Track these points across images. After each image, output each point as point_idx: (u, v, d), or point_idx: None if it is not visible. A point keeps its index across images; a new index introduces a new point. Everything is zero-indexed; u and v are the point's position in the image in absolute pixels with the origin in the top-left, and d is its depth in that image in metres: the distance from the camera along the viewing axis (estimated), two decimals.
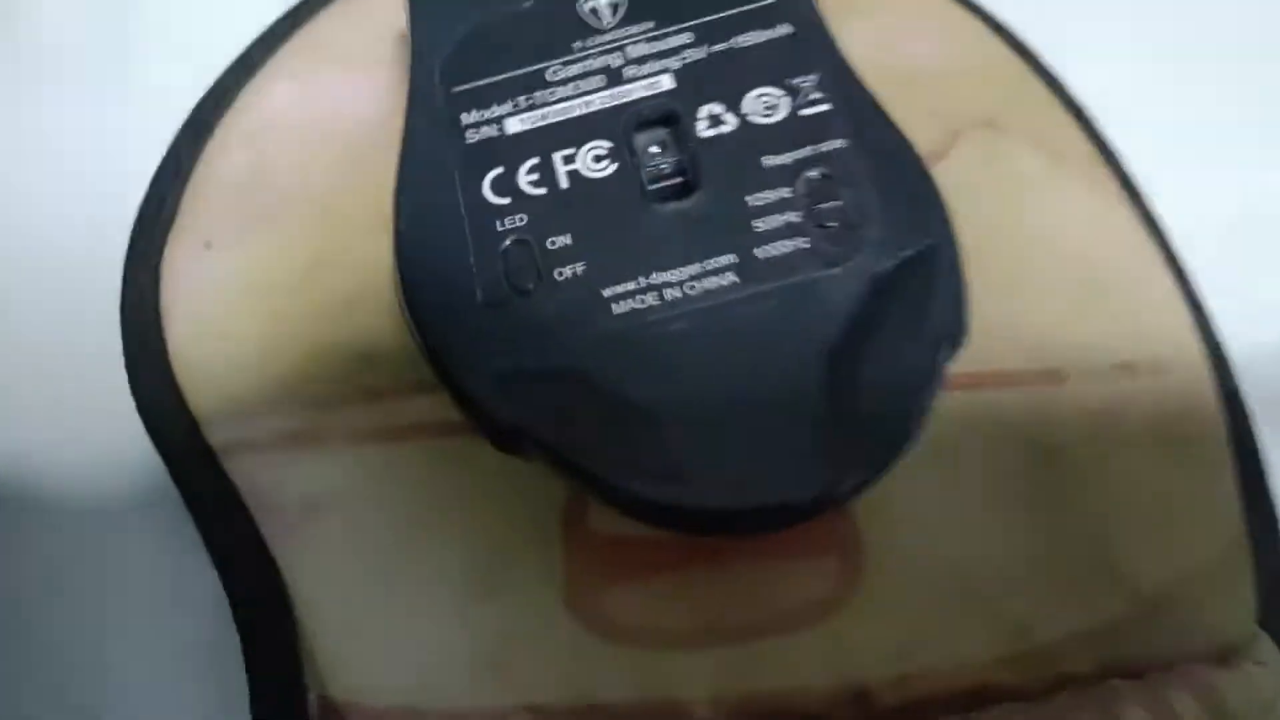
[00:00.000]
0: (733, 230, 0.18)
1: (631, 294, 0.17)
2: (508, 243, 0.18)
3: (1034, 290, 0.21)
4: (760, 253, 0.17)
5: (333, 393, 0.21)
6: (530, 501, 0.19)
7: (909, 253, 0.17)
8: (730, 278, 0.17)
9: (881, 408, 0.16)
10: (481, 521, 0.19)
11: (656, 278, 0.17)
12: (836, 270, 0.17)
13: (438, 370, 0.17)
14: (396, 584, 0.19)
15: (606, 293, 0.17)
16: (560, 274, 0.17)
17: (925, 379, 0.16)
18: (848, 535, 0.20)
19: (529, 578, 0.19)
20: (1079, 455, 0.20)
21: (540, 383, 0.17)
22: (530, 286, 0.17)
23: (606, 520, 0.19)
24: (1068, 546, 0.19)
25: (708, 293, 0.17)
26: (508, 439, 0.17)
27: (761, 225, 0.18)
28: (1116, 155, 0.23)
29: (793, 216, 0.18)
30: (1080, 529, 0.19)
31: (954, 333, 0.17)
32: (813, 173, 0.18)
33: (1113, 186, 0.24)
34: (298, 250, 0.22)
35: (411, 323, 0.18)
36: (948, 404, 0.19)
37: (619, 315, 0.17)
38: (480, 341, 0.17)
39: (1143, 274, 0.22)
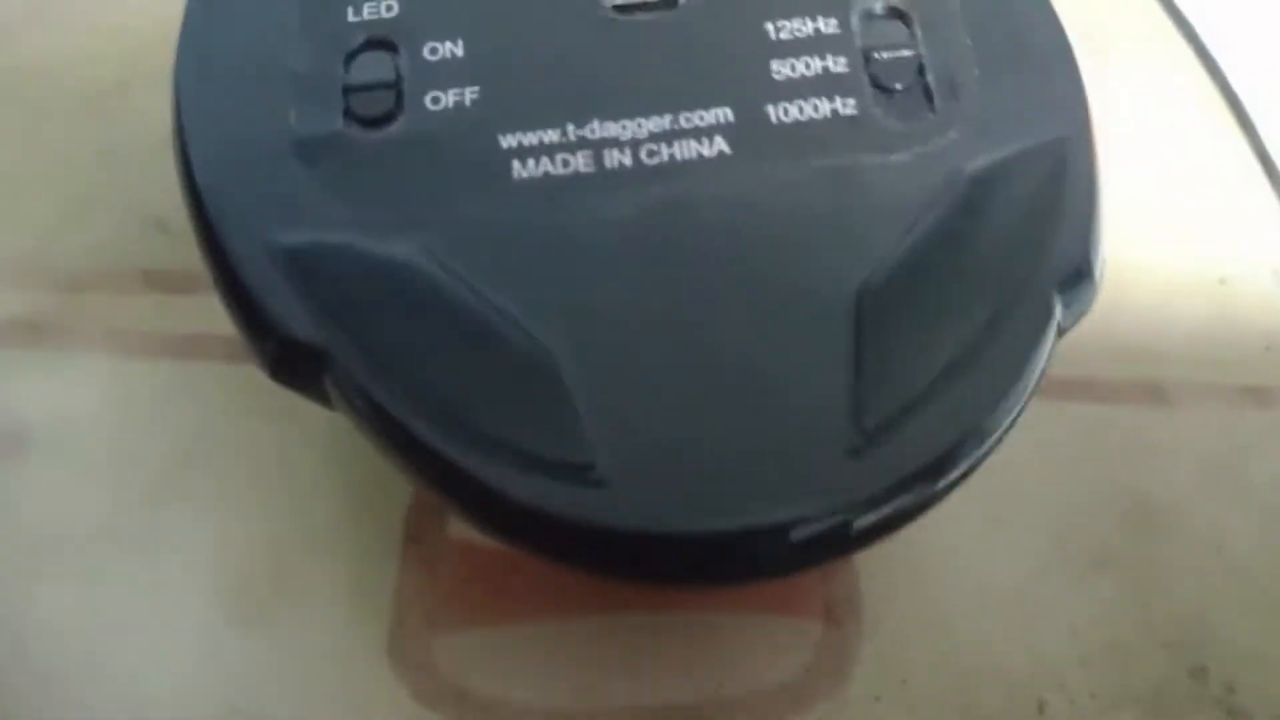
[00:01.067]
0: (735, 70, 0.12)
1: (549, 149, 0.12)
2: (359, 42, 0.12)
3: (1138, 272, 0.17)
4: (775, 112, 0.12)
5: (98, 269, 0.16)
6: (358, 479, 0.15)
7: (1019, 146, 0.12)
8: (719, 145, 0.12)
9: (951, 389, 0.11)
10: (276, 500, 0.15)
11: (596, 129, 0.12)
12: (898, 157, 0.12)
13: (201, 238, 0.12)
14: (120, 578, 0.14)
15: (507, 141, 0.12)
16: (437, 101, 0.12)
17: (1028, 347, 0.11)
18: (841, 590, 0.15)
19: (334, 600, 0.14)
20: (1184, 511, 0.16)
21: (366, 278, 0.11)
22: (384, 115, 0.12)
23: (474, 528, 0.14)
24: (1158, 642, 0.15)
25: (679, 165, 0.12)
26: (291, 364, 0.11)
27: (783, 70, 0.12)
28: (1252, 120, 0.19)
29: (836, 63, 0.12)
30: (1177, 618, 0.15)
31: (1079, 276, 0.12)
32: (877, 2, 0.13)
33: (1245, 147, 0.19)
34: (99, 58, 0.18)
35: (179, 156, 0.12)
36: None
37: (523, 181, 0.12)
38: (275, 196, 0.11)
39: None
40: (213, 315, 0.16)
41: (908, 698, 0.14)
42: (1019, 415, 0.11)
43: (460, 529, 0.15)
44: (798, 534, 0.10)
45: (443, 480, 0.11)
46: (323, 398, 0.12)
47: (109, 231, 0.17)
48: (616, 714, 0.14)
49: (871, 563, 0.15)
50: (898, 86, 0.12)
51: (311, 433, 0.15)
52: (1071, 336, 0.17)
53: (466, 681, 0.14)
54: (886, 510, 0.11)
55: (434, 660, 0.14)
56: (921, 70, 0.12)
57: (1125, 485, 0.16)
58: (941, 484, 0.11)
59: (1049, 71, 0.12)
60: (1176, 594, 0.15)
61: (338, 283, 0.11)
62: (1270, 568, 0.15)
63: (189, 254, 0.17)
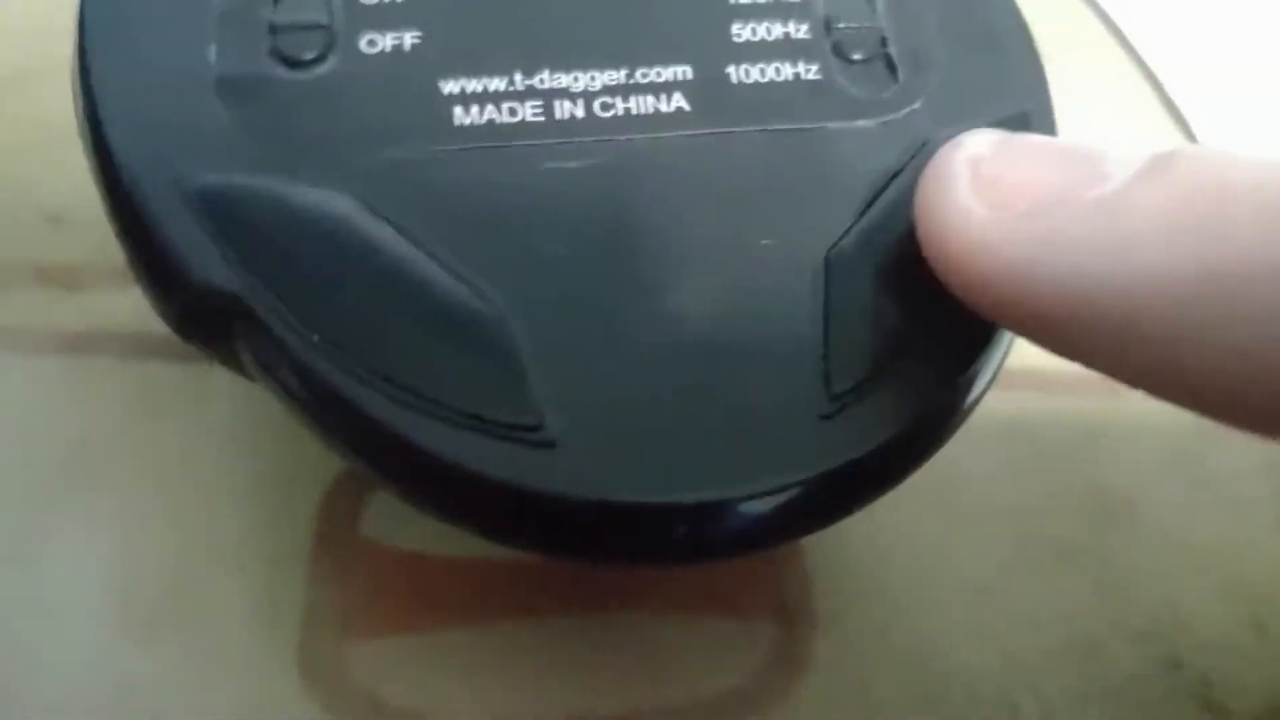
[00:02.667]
0: (695, 29, 0.12)
1: (495, 97, 0.11)
2: None
3: None
4: (736, 73, 0.11)
5: None
6: (265, 479, 0.14)
7: (983, 119, 0.11)
8: (678, 102, 0.11)
9: (924, 354, 0.10)
10: (176, 503, 0.13)
11: (546, 79, 0.11)
12: (863, 124, 0.11)
13: (102, 179, 0.11)
14: (7, 577, 0.13)
15: (448, 87, 0.11)
16: (374, 44, 0.11)
17: (991, 325, 0.11)
18: (793, 589, 0.14)
19: (240, 609, 0.13)
20: (1148, 504, 0.15)
21: (288, 224, 0.10)
22: (311, 58, 0.11)
23: (391, 526, 0.13)
24: (1129, 636, 0.14)
25: (635, 120, 0.11)
26: (200, 316, 0.10)
27: (744, 33, 0.12)
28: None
29: (799, 29, 0.12)
30: (1147, 610, 0.14)
31: None
32: None
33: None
34: None
35: (80, 100, 0.11)
36: None
37: (464, 128, 0.11)
38: (187, 134, 0.10)
39: None
40: (107, 311, 0.15)
41: (867, 701, 0.13)
42: (991, 382, 0.11)
43: (375, 530, 0.13)
44: (769, 503, 0.10)
45: (368, 446, 0.10)
46: (233, 359, 0.10)
47: (1, 226, 0.15)
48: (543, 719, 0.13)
49: (824, 560, 0.14)
50: (859, 56, 0.12)
51: (214, 431, 0.14)
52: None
53: (383, 692, 0.12)
54: (860, 478, 0.10)
55: (348, 671, 0.12)
56: (884, 42, 0.12)
57: (1086, 478, 0.15)
58: (916, 449, 0.10)
59: (1009, 49, 0.12)
60: (1144, 586, 0.14)
61: (256, 228, 0.10)
62: (1236, 557, 0.15)
63: (84, 249, 0.16)
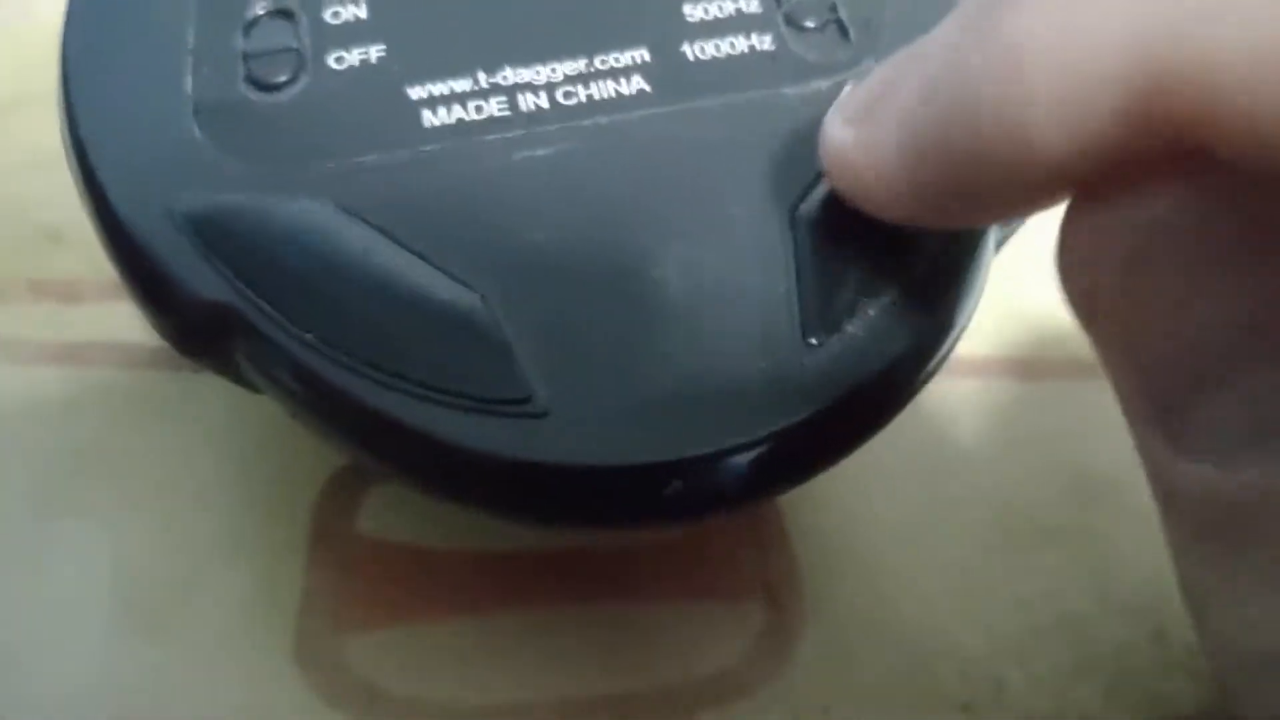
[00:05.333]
0: (647, 13, 0.12)
1: (461, 97, 0.11)
2: (259, 10, 0.12)
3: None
4: (692, 50, 0.12)
5: None
6: (261, 479, 0.14)
7: None
8: (637, 85, 0.12)
9: (894, 300, 0.11)
10: (175, 504, 0.14)
11: (509, 75, 0.12)
12: (817, 86, 0.12)
13: (95, 210, 0.11)
14: (9, 591, 0.13)
15: (415, 92, 0.11)
16: (341, 60, 0.12)
17: (963, 257, 0.11)
18: (780, 571, 0.14)
19: (238, 604, 0.13)
20: (1130, 484, 0.14)
21: (274, 235, 0.10)
22: (284, 80, 0.11)
23: (386, 521, 0.14)
24: (1113, 609, 0.14)
25: (596, 106, 0.11)
26: (197, 333, 0.11)
27: (697, 11, 0.12)
28: None
29: (749, 4, 0.12)
30: (1131, 584, 0.15)
31: None
32: None
33: None
34: None
35: (67, 134, 0.11)
36: (947, 396, 0.16)
37: (434, 129, 0.11)
38: (171, 161, 0.11)
39: None
40: (102, 324, 0.15)
41: (857, 680, 0.13)
42: (964, 327, 0.11)
43: (370, 525, 0.14)
44: (760, 452, 0.10)
45: (365, 435, 0.10)
46: (231, 367, 0.11)
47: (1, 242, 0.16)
48: (542, 708, 0.13)
49: (811, 543, 0.14)
50: (811, 24, 0.12)
51: (210, 435, 0.14)
52: (998, 322, 0.17)
53: (379, 681, 0.13)
54: (843, 423, 0.10)
55: (344, 661, 0.13)
56: (834, 8, 0.12)
57: (1068, 461, 0.15)
58: (895, 391, 0.11)
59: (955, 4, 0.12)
60: (1126, 561, 0.15)
61: (244, 242, 0.10)
62: None
63: (80, 264, 0.16)
